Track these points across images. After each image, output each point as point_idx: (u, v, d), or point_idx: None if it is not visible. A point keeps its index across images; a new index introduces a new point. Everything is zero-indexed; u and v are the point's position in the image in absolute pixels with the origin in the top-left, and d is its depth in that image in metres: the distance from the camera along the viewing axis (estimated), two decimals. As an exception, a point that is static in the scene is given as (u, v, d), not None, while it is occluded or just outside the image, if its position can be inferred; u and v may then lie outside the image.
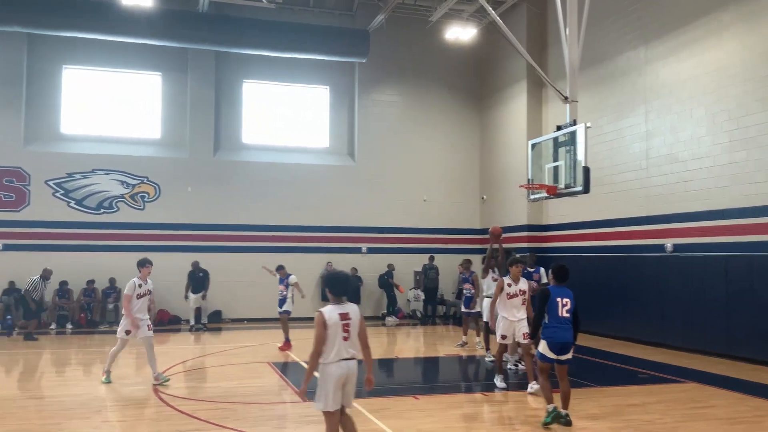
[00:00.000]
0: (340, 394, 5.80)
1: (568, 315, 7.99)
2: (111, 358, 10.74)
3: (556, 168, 11.68)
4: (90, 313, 19.08)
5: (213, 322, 19.87)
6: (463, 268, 14.96)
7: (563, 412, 8.00)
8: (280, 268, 14.91)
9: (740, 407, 9.04)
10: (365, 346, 6.01)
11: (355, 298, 21.26)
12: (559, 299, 8.00)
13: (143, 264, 10.76)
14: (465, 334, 15.04)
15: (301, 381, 6.11)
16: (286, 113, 22.38)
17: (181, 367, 12.29)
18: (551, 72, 19.02)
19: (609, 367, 12.75)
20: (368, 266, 21.74)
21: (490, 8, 13.27)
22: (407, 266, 22.00)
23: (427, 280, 21.21)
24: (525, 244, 20.14)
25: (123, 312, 10.64)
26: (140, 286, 10.58)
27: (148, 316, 10.72)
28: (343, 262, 21.51)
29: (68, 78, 20.56)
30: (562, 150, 11.53)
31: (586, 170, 10.79)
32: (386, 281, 21.49)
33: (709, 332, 13.70)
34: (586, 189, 10.84)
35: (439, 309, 21.87)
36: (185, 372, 11.88)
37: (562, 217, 19.08)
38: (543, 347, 8.04)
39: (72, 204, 19.81)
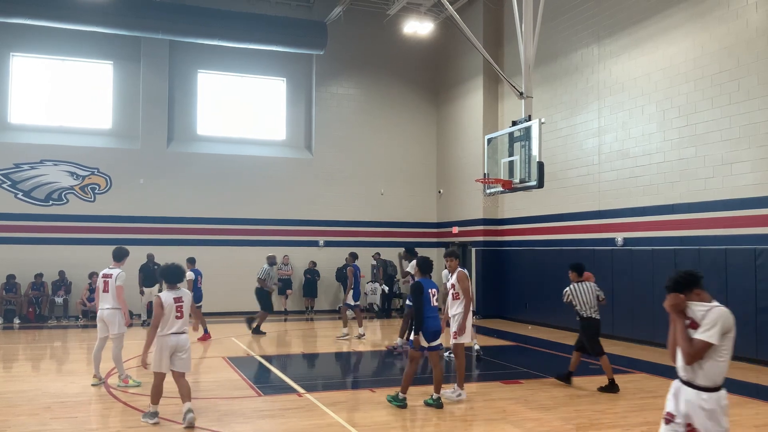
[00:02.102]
0: (169, 359, 7.55)
1: (437, 304, 8.59)
2: (97, 360, 9.86)
3: (511, 163, 11.81)
4: (38, 308, 18.60)
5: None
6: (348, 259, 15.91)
7: (435, 395, 8.53)
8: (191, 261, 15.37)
9: (687, 397, 9.29)
10: (197, 318, 8.21)
11: (312, 292, 21.21)
12: (429, 290, 8.51)
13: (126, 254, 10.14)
14: (345, 325, 15.55)
15: (143, 350, 7.79)
16: (242, 105, 22.14)
17: (133, 363, 12.06)
18: (507, 68, 19.22)
19: (561, 359, 12.97)
20: (326, 259, 21.69)
21: (448, 3, 13.33)
22: (364, 259, 21.98)
23: (386, 275, 21.24)
24: (481, 238, 20.35)
25: (110, 307, 9.78)
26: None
27: None
28: (300, 256, 21.45)
29: (16, 66, 19.96)
30: (517, 145, 11.67)
31: (541, 165, 10.94)
32: (344, 274, 21.43)
33: (657, 324, 14.05)
34: (541, 184, 11.00)
35: (397, 302, 21.94)
36: (137, 367, 11.66)
37: (517, 211, 19.33)
38: (422, 337, 8.40)
39: (19, 195, 19.26)
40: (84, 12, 17.98)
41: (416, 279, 8.75)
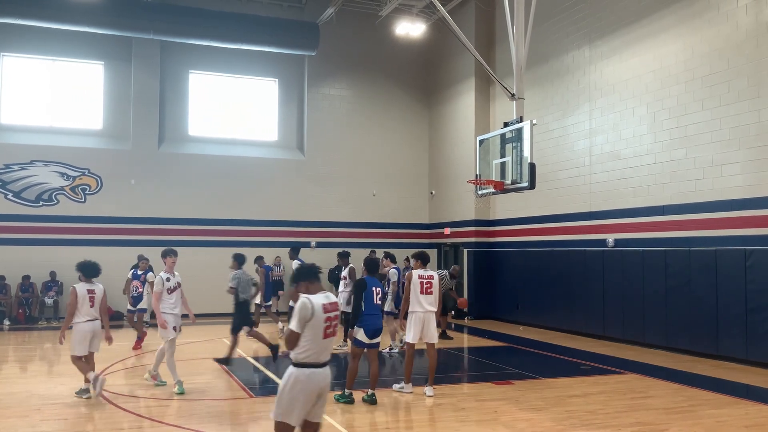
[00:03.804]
0: (89, 343, 8.84)
1: (379, 303, 8.85)
2: (171, 367, 9.47)
3: (503, 164, 11.84)
4: (28, 309, 18.49)
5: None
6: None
7: (370, 391, 8.75)
8: (142, 259, 14.60)
9: (677, 397, 9.36)
10: (104, 313, 9.08)
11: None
12: (373, 288, 8.78)
13: (167, 254, 9.65)
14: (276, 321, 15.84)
15: (59, 334, 8.97)
16: (233, 105, 22.09)
17: (124, 364, 12.04)
18: (499, 69, 19.26)
19: (552, 359, 13.01)
20: (318, 261, 21.49)
21: (440, 4, 13.35)
22: (355, 261, 21.94)
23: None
24: (473, 239, 20.38)
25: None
26: (168, 279, 9.50)
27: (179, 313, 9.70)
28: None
29: (7, 66, 19.85)
30: (509, 146, 11.70)
31: (532, 166, 10.97)
32: (336, 276, 21.40)
33: (648, 325, 14.12)
34: (532, 185, 11.03)
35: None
36: (128, 369, 11.64)
37: (509, 213, 19.36)
38: (360, 334, 8.70)
39: (9, 196, 19.15)
40: (75, 12, 17.90)
41: (362, 276, 9.08)
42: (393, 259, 14.12)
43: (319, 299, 5.03)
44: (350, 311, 13.55)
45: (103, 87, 20.54)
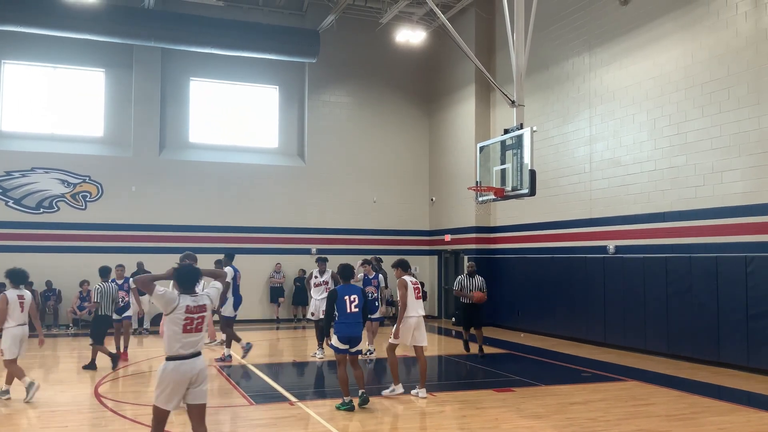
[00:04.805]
0: (21, 347, 9.35)
1: (357, 310, 8.85)
2: None
3: (503, 171, 11.83)
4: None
5: (157, 324, 19.43)
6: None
7: (360, 391, 8.90)
8: (119, 267, 14.23)
9: (679, 404, 9.33)
10: (35, 318, 9.72)
11: (303, 300, 21.11)
12: (347, 297, 8.83)
13: (183, 260, 9.61)
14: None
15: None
16: (234, 112, 22.12)
17: (123, 371, 12.01)
18: (499, 76, 19.29)
19: (553, 366, 12.98)
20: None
21: (440, 12, 13.38)
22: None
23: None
24: (473, 246, 20.37)
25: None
26: None
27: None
28: (293, 264, 21.40)
29: (8, 74, 19.89)
30: (509, 153, 11.69)
31: (533, 173, 10.96)
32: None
33: (649, 332, 14.10)
34: (533, 191, 11.02)
35: (389, 310, 21.90)
36: (128, 376, 11.61)
37: (509, 219, 19.36)
38: (335, 341, 8.88)
39: (10, 203, 19.16)
40: (76, 19, 17.94)
41: (337, 286, 9.19)
42: (373, 267, 14.05)
43: (186, 300, 5.66)
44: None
45: (104, 94, 20.57)
